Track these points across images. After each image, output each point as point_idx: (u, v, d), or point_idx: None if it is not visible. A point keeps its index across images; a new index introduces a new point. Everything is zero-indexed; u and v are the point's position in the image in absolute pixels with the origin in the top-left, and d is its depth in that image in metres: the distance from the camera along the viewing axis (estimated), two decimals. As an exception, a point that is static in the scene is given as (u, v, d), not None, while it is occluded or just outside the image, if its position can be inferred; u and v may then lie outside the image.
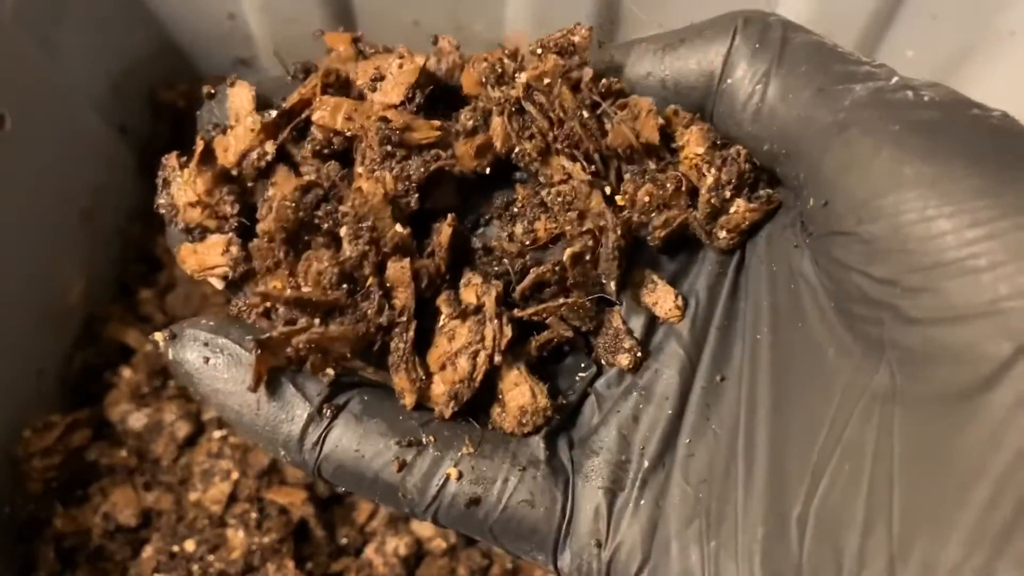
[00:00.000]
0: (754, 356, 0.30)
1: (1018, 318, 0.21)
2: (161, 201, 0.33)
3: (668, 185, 0.30)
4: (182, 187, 0.32)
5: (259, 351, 0.28)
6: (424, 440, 0.30)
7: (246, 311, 0.31)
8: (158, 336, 0.30)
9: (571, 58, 0.31)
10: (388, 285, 0.30)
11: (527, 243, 0.32)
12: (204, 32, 0.72)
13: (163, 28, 0.71)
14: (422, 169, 0.30)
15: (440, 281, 0.31)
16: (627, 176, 0.31)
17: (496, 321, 0.30)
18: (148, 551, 0.52)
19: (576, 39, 0.31)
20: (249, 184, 0.32)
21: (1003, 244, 0.22)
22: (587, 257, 0.31)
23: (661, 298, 0.32)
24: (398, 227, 0.30)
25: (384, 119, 0.30)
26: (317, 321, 0.29)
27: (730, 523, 0.27)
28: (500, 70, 0.31)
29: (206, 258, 0.32)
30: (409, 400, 0.30)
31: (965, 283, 0.22)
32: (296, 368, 0.30)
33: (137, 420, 0.57)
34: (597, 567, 0.29)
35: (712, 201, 0.30)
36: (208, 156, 0.32)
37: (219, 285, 0.32)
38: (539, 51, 0.31)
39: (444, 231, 0.31)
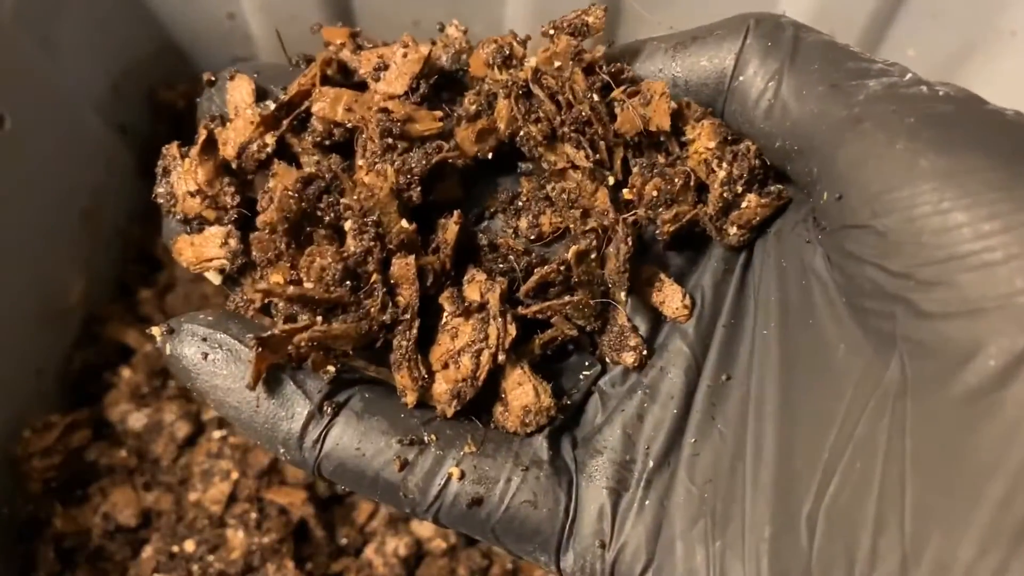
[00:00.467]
0: (762, 353, 0.30)
1: None
2: (160, 190, 0.32)
3: (676, 180, 0.30)
4: (182, 176, 0.31)
5: (259, 349, 0.28)
6: (426, 439, 0.29)
7: (244, 306, 0.31)
8: (155, 330, 0.30)
9: (583, 40, 0.31)
10: (392, 282, 0.29)
11: (532, 238, 0.32)
12: (204, 32, 0.72)
13: (163, 28, 0.71)
14: (424, 162, 0.30)
15: (444, 278, 0.31)
16: (635, 169, 0.31)
17: (500, 319, 0.30)
18: (148, 551, 0.52)
19: (590, 20, 0.31)
20: (249, 177, 0.32)
21: (1019, 237, 0.22)
22: (592, 256, 0.30)
23: (668, 297, 0.32)
24: (404, 222, 0.29)
25: (385, 110, 0.30)
26: (319, 318, 0.29)
27: (736, 523, 0.27)
28: (508, 52, 0.30)
29: (203, 250, 0.32)
30: (411, 399, 0.30)
31: (980, 276, 0.22)
32: (296, 365, 0.29)
33: (137, 420, 0.57)
34: (601, 568, 0.28)
35: (724, 195, 0.30)
36: (210, 146, 0.31)
37: (216, 280, 0.32)
38: (551, 32, 0.31)
39: (450, 228, 0.30)
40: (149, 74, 0.70)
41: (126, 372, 0.60)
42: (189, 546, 0.51)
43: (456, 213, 0.31)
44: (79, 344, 0.61)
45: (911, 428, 0.23)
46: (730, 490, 0.28)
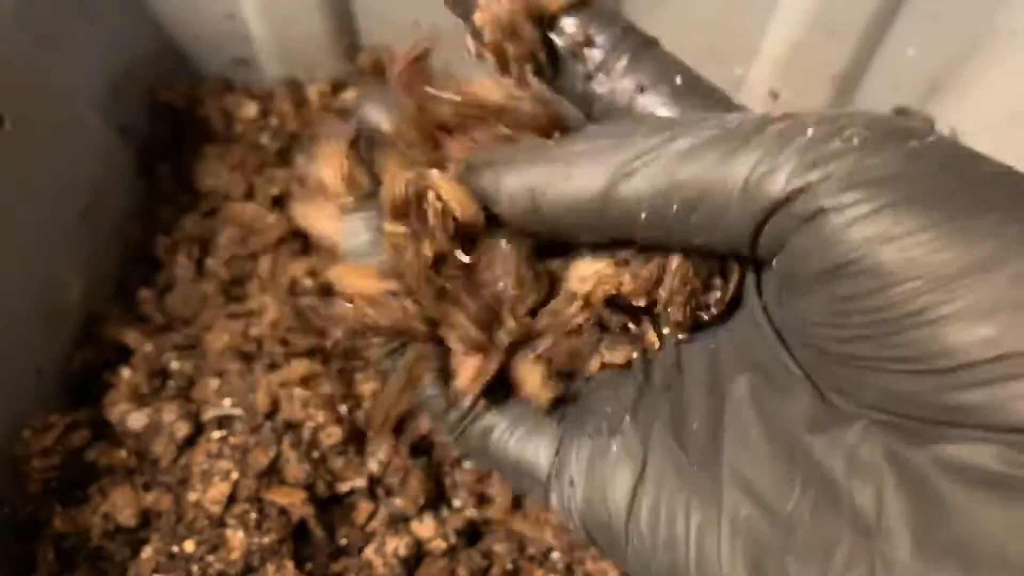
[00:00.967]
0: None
1: (989, 369, 0.22)
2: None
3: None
4: None
5: None
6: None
7: None
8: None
9: None
10: None
11: None
12: (204, 33, 0.72)
13: (163, 28, 0.71)
14: None
15: None
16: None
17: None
18: (147, 551, 0.52)
19: None
20: None
21: (968, 294, 0.22)
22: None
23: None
24: None
25: None
26: None
27: (716, 499, 0.27)
28: None
29: None
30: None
31: (931, 333, 0.22)
32: None
33: (136, 420, 0.57)
34: (574, 506, 0.30)
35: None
36: None
37: None
38: None
39: None
40: (149, 74, 0.70)
41: (126, 372, 0.60)
42: (189, 546, 0.51)
43: None
44: (79, 344, 0.61)
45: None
46: (715, 464, 0.27)
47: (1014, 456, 0.21)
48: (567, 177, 0.27)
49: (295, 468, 0.53)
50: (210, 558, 0.51)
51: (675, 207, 0.25)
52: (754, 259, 0.29)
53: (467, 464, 0.57)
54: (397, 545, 0.53)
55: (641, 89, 0.29)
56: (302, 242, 0.67)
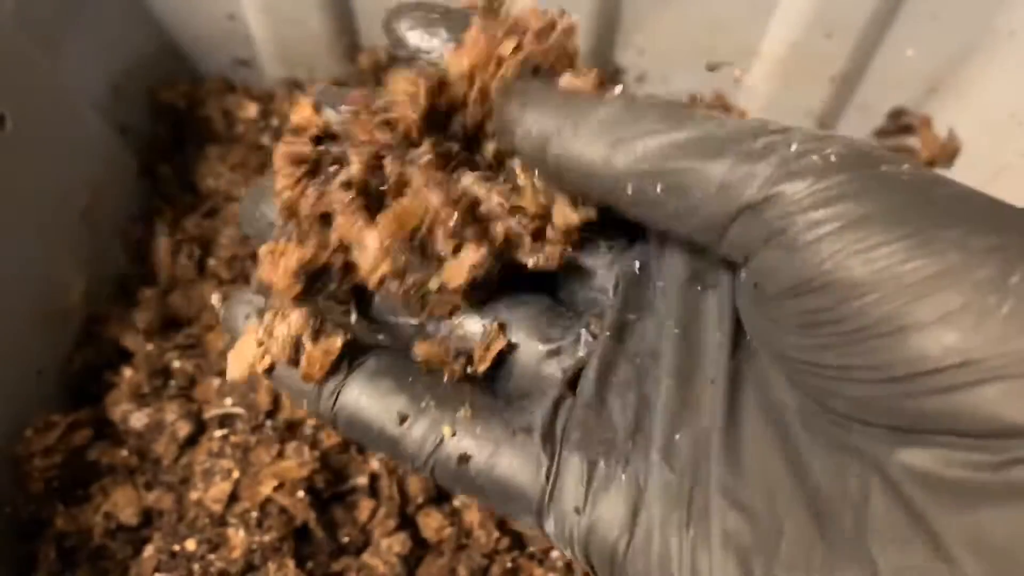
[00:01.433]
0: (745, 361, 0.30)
1: (953, 376, 0.22)
2: None
3: None
4: None
5: None
6: (427, 402, 0.31)
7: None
8: (214, 297, 0.34)
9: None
10: None
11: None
12: (204, 32, 0.72)
13: (163, 28, 0.71)
14: None
15: None
16: None
17: None
18: (149, 550, 0.52)
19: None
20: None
21: (929, 305, 0.22)
22: None
23: None
24: None
25: None
26: None
27: (708, 513, 0.27)
28: None
29: None
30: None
31: (894, 342, 0.23)
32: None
33: (138, 420, 0.57)
34: (577, 534, 0.29)
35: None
36: None
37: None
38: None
39: None
40: (149, 74, 0.71)
41: (127, 372, 0.60)
42: (190, 545, 0.51)
43: None
44: (79, 344, 0.61)
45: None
46: (706, 480, 0.28)
47: (977, 460, 0.22)
48: (575, 134, 0.28)
49: (296, 467, 0.53)
50: (211, 557, 0.51)
51: (659, 189, 0.26)
52: (726, 260, 0.29)
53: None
54: (398, 544, 0.53)
55: None
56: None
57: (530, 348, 0.33)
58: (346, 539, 0.54)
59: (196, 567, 0.51)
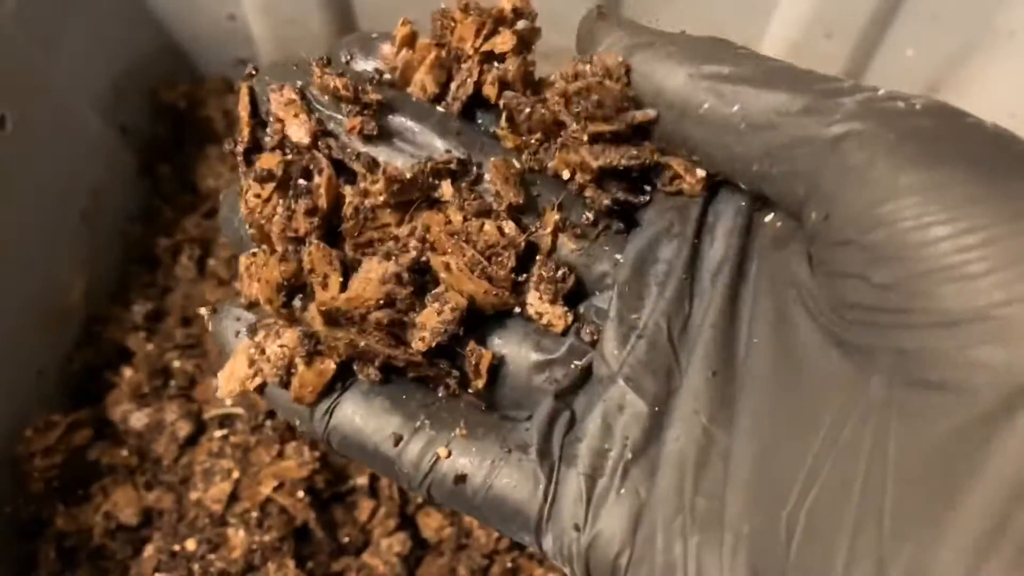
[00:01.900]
0: (753, 359, 0.30)
1: (1011, 324, 0.21)
2: None
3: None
4: None
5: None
6: (421, 421, 0.31)
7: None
8: (203, 310, 0.34)
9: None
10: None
11: None
12: (204, 32, 0.72)
13: (163, 28, 0.71)
14: None
15: None
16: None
17: None
18: (149, 550, 0.52)
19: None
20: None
21: (999, 250, 0.22)
22: None
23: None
24: None
25: None
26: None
27: (715, 519, 0.27)
28: None
29: None
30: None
31: (960, 288, 0.22)
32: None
33: (138, 420, 0.57)
34: (577, 551, 0.29)
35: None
36: None
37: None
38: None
39: None
40: (149, 74, 0.70)
41: (127, 372, 0.60)
42: (190, 545, 0.51)
43: None
44: (80, 344, 0.61)
45: (894, 437, 0.24)
46: (712, 486, 0.28)
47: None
48: (667, 54, 0.29)
49: (296, 467, 0.53)
50: (211, 557, 0.51)
51: (735, 108, 0.27)
52: (775, 197, 0.29)
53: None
54: (398, 544, 0.53)
55: None
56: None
57: (520, 358, 0.33)
58: (346, 539, 0.54)
59: (196, 567, 0.51)
